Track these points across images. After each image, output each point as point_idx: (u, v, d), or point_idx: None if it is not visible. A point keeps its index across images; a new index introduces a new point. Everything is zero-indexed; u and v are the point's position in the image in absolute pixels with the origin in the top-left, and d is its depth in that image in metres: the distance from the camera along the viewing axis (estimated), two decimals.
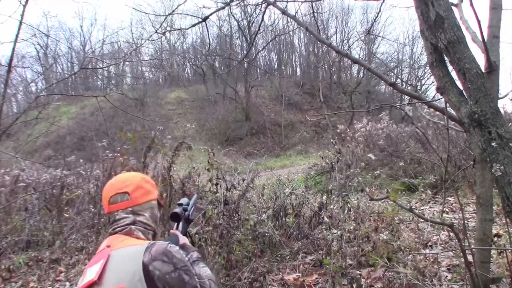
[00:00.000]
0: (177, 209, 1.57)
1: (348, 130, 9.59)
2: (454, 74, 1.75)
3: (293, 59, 32.02)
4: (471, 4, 1.67)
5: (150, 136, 3.54)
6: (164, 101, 25.89)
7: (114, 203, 1.24)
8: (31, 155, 17.60)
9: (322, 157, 5.71)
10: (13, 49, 3.83)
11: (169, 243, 1.17)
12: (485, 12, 2.14)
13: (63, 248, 4.58)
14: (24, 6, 3.70)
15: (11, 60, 3.92)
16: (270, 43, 25.19)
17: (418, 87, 23.48)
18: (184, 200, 1.69)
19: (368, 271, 3.02)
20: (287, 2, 3.35)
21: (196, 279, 1.13)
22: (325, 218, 3.85)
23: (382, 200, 4.54)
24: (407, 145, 8.41)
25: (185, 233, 1.58)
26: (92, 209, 4.86)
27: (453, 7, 1.75)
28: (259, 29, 9.65)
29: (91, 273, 1.10)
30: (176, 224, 1.58)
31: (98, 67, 8.59)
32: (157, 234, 1.35)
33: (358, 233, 3.53)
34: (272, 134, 22.92)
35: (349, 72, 30.80)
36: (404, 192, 6.49)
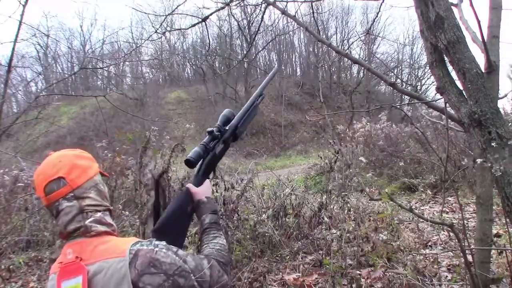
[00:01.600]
0: (192, 153, 1.26)
1: (347, 130, 9.59)
2: (454, 74, 1.75)
3: (293, 59, 32.09)
4: (471, 4, 1.67)
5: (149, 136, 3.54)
6: (164, 101, 25.90)
7: (50, 193, 1.04)
8: (31, 155, 17.55)
9: (321, 157, 5.71)
10: (13, 49, 3.83)
11: (154, 247, 1.02)
12: (485, 12, 2.14)
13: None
14: (24, 6, 3.69)
15: (11, 60, 3.91)
16: (270, 43, 25.19)
17: (418, 87, 23.49)
18: (224, 115, 1.36)
19: (368, 271, 3.02)
20: (287, 2, 3.36)
21: (192, 277, 1.01)
22: (325, 218, 3.85)
23: (382, 200, 4.54)
24: (407, 145, 8.42)
25: (209, 170, 1.33)
26: None
27: (453, 7, 1.75)
28: (259, 29, 9.66)
29: None
30: (199, 164, 1.29)
31: (98, 67, 8.57)
32: (112, 210, 1.17)
33: (357, 233, 3.54)
34: (272, 134, 22.94)
35: (349, 72, 30.82)
36: (404, 192, 6.49)
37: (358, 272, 3.05)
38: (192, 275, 1.02)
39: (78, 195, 1.06)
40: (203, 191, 1.30)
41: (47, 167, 1.08)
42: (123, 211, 4.40)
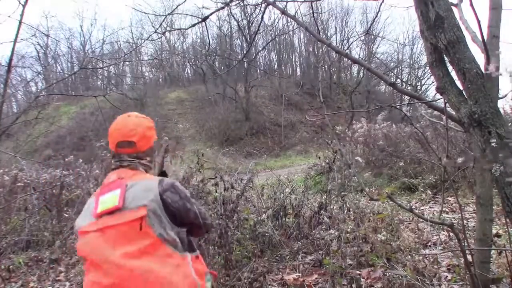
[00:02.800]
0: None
1: (347, 130, 9.60)
2: (454, 74, 1.74)
3: (293, 59, 32.04)
4: (471, 4, 1.67)
5: None
6: (164, 101, 25.88)
7: (121, 148, 1.41)
8: (31, 155, 17.58)
9: (319, 157, 5.72)
10: (13, 49, 3.82)
11: (175, 181, 1.40)
12: (485, 12, 2.14)
13: (63, 248, 4.58)
14: (24, 6, 3.69)
15: (10, 60, 3.91)
16: (270, 43, 25.18)
17: (418, 87, 23.50)
18: None
19: (368, 271, 3.02)
20: (287, 2, 3.35)
21: (195, 207, 1.40)
22: (325, 218, 3.85)
23: (382, 200, 4.53)
24: (407, 145, 8.41)
25: None
26: None
27: (453, 7, 1.75)
28: (258, 29, 9.66)
29: (108, 200, 1.28)
30: None
31: (98, 67, 8.56)
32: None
33: (357, 233, 3.53)
34: (272, 134, 22.91)
35: (349, 72, 30.81)
36: (404, 192, 6.49)
37: (358, 272, 3.05)
38: (195, 206, 1.41)
39: (139, 157, 1.44)
40: None
41: (126, 129, 1.42)
42: None
